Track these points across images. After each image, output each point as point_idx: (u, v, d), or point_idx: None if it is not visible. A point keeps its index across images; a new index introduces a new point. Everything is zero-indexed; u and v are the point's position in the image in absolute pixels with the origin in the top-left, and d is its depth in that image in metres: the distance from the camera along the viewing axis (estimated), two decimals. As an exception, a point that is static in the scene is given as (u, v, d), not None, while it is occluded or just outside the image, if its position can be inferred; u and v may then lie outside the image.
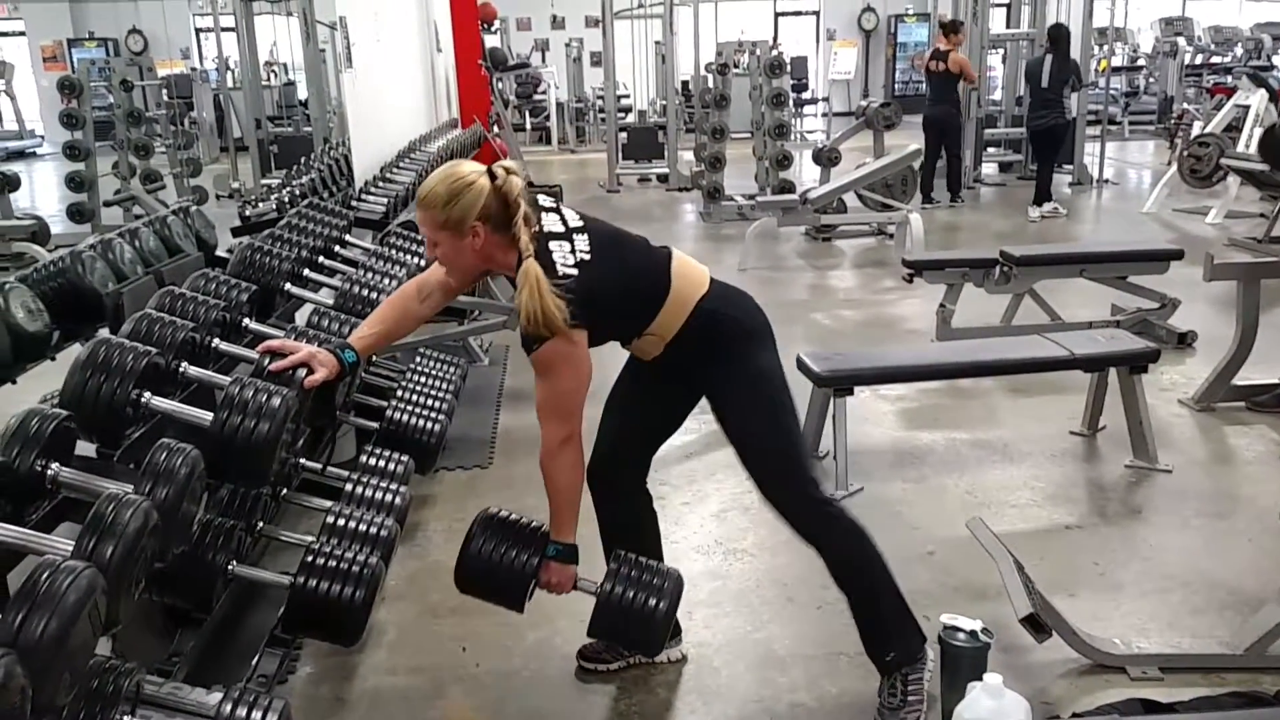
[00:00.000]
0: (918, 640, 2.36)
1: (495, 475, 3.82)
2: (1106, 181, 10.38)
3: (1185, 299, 5.15)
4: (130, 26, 14.34)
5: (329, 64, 6.44)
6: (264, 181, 8.01)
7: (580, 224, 2.18)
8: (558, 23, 18.34)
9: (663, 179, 11.34)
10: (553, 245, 2.10)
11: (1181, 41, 14.56)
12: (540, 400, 2.15)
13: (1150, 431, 3.69)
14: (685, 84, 13.30)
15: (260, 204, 4.03)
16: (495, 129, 9.37)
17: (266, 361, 2.19)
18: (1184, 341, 5.03)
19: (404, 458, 2.98)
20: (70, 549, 1.53)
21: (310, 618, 2.20)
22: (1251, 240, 7.27)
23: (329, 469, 2.75)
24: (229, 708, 1.73)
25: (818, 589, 2.94)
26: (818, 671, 2.57)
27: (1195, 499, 3.47)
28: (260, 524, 2.40)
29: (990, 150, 11.11)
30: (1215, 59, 15.48)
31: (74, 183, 8.83)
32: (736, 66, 11.12)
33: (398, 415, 3.20)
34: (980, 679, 2.07)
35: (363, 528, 2.43)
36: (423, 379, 3.47)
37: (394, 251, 3.78)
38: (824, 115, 16.56)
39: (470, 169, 2.12)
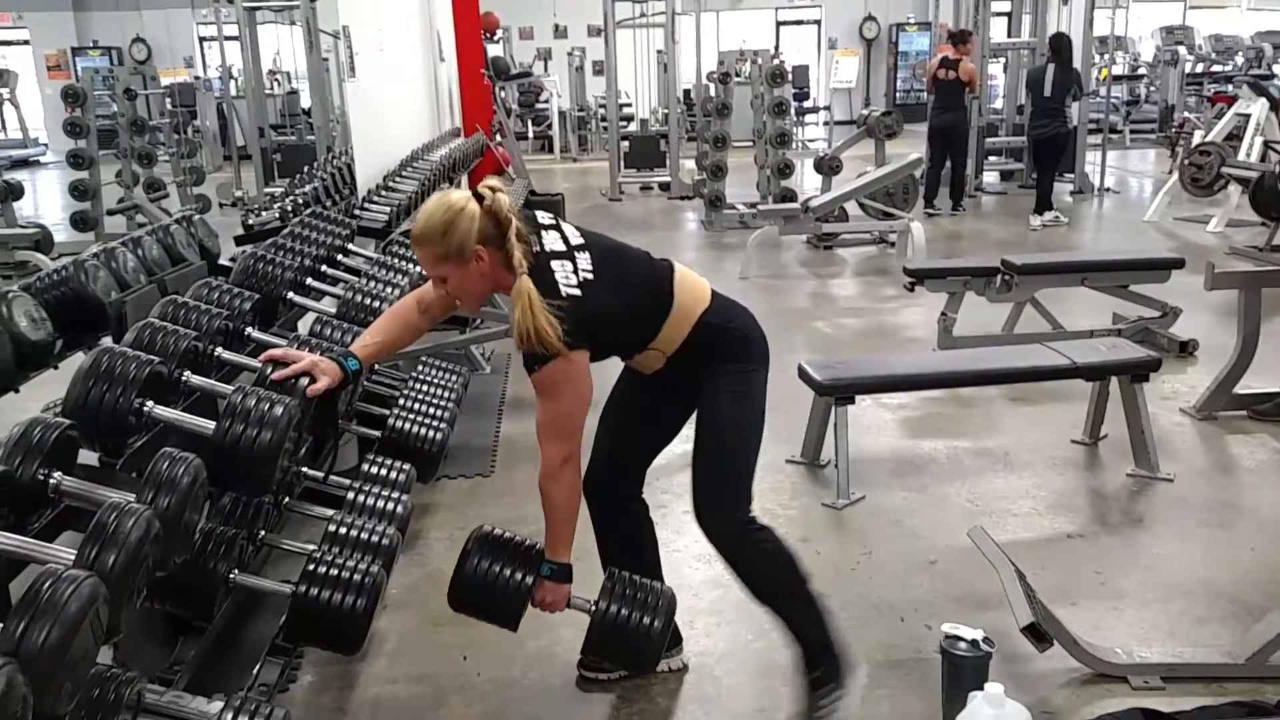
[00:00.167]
0: (842, 665, 2.38)
1: (497, 483, 3.82)
2: (1108, 190, 10.39)
3: (1186, 308, 5.16)
4: (134, 35, 14.42)
5: (332, 73, 6.45)
6: (267, 190, 8.00)
7: (581, 241, 2.17)
8: (560, 32, 18.39)
9: (664, 187, 11.36)
10: (555, 265, 2.09)
11: (1182, 50, 14.60)
12: (541, 420, 2.15)
13: (1152, 440, 3.69)
14: (687, 93, 13.34)
15: (263, 213, 4.03)
16: (498, 138, 9.39)
17: (269, 370, 2.19)
18: (1185, 350, 5.03)
19: (406, 466, 2.98)
20: (72, 558, 1.53)
21: (312, 626, 2.20)
22: (1253, 249, 7.28)
23: (331, 478, 2.75)
24: (230, 716, 1.73)
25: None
26: (819, 681, 2.56)
27: (1197, 508, 3.47)
28: (262, 532, 2.40)
29: (991, 159, 11.13)
30: (1216, 68, 15.50)
31: (77, 191, 8.86)
32: (738, 75, 11.17)
33: (400, 423, 3.20)
34: (982, 688, 2.06)
35: (364, 536, 2.44)
36: (425, 387, 3.47)
37: (396, 260, 3.78)
38: (825, 124, 16.57)
39: (458, 196, 2.11)
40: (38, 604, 1.35)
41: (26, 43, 17.23)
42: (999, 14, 12.03)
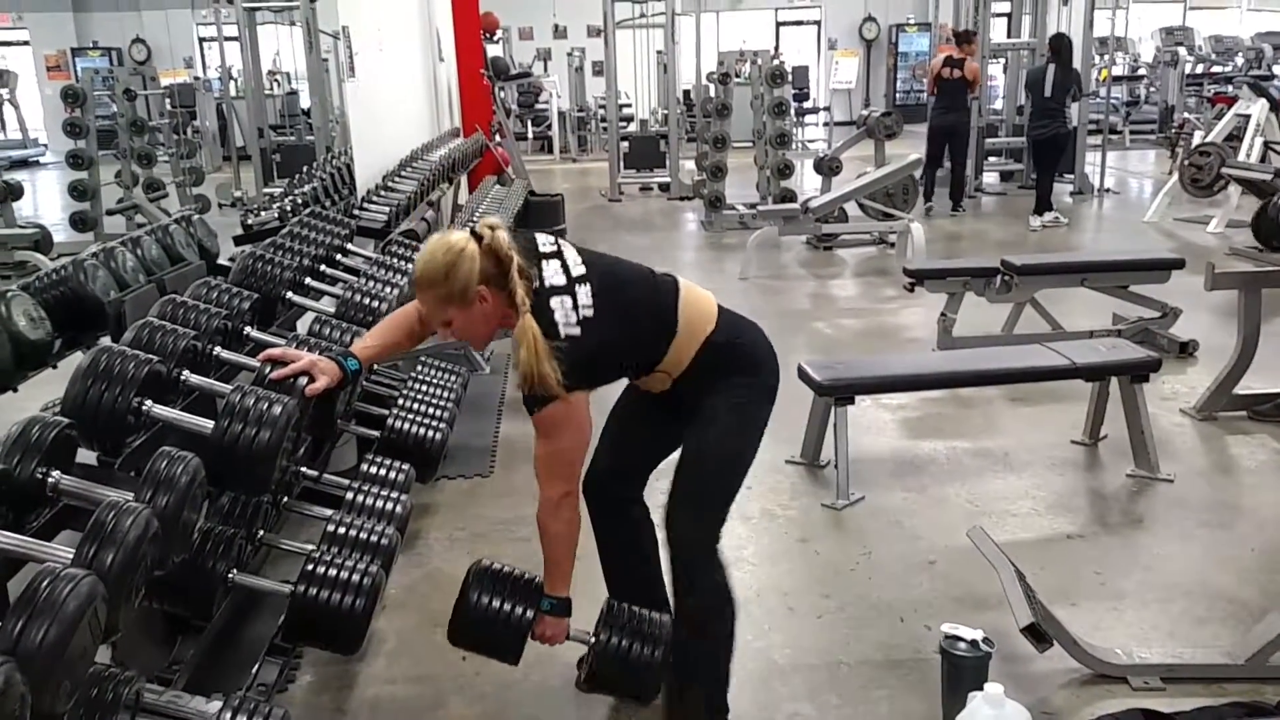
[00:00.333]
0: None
1: (496, 484, 3.82)
2: (1107, 191, 10.39)
3: (1186, 308, 5.16)
4: (134, 36, 14.41)
5: (332, 73, 6.46)
6: (266, 190, 8.01)
7: (583, 271, 2.10)
8: (560, 32, 18.39)
9: (664, 188, 11.36)
10: (554, 303, 2.04)
11: (1182, 51, 14.60)
12: (539, 458, 2.13)
13: (1152, 441, 3.69)
14: (687, 93, 13.33)
15: (262, 213, 4.03)
16: (497, 138, 9.39)
17: (268, 369, 2.19)
18: (1185, 351, 5.03)
19: (405, 466, 2.99)
20: (70, 557, 1.53)
21: (310, 626, 2.20)
22: (1253, 249, 7.28)
23: (331, 478, 2.75)
24: (229, 716, 1.73)
25: (818, 598, 2.95)
26: (818, 681, 2.56)
27: (1197, 508, 3.47)
28: (261, 532, 2.40)
29: (991, 159, 11.13)
30: (1216, 68, 15.51)
31: (77, 191, 8.86)
32: (738, 76, 11.16)
33: (399, 424, 3.20)
34: (981, 688, 2.06)
35: (363, 536, 2.44)
36: (424, 387, 3.47)
37: (395, 260, 3.78)
38: (825, 124, 16.56)
39: (456, 237, 2.06)
40: (36, 602, 1.35)
41: (26, 43, 17.22)
42: (999, 14, 12.04)
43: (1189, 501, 3.52)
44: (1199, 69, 15.44)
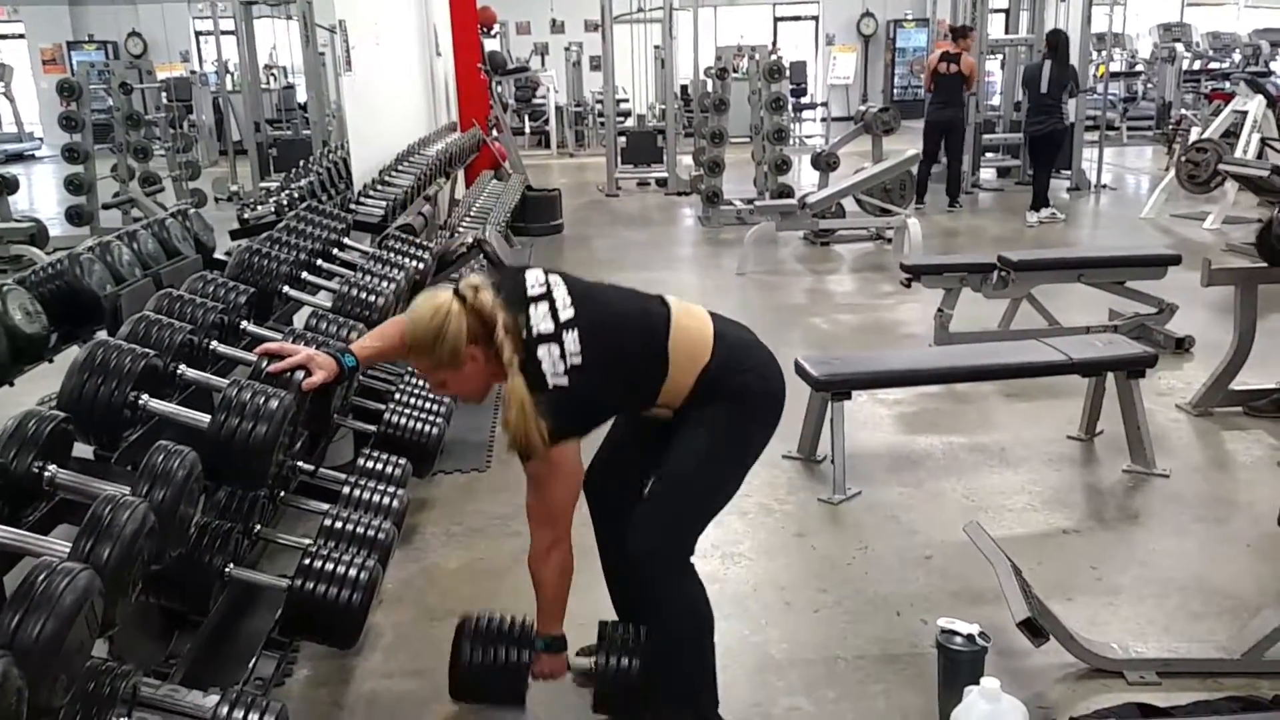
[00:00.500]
0: None
1: (492, 479, 3.82)
2: (1104, 187, 10.40)
3: (1183, 304, 5.16)
4: (130, 29, 14.35)
5: (328, 67, 6.44)
6: (263, 184, 8.01)
7: (571, 315, 2.04)
8: (557, 27, 18.37)
9: (661, 183, 11.35)
10: (541, 352, 2.00)
11: (1180, 47, 14.60)
12: (530, 506, 2.13)
13: (1148, 436, 3.70)
14: (684, 88, 13.32)
15: (259, 207, 4.02)
16: (494, 133, 9.38)
17: (264, 364, 2.19)
18: (1181, 346, 5.03)
19: (402, 461, 2.99)
20: (67, 550, 1.53)
21: (307, 620, 2.20)
22: (1249, 245, 7.23)
23: (327, 472, 2.75)
24: (226, 710, 1.73)
25: (815, 593, 2.95)
26: (815, 676, 2.57)
27: (1192, 504, 3.47)
28: (258, 526, 2.40)
29: (988, 155, 11.13)
30: (1213, 65, 15.51)
31: (73, 185, 8.83)
32: (735, 71, 11.15)
33: (395, 418, 3.20)
34: (977, 683, 2.07)
35: (360, 530, 2.44)
36: (421, 383, 3.47)
37: (392, 254, 3.78)
38: (823, 120, 16.56)
39: (442, 298, 2.03)
40: (32, 597, 1.35)
41: (21, 36, 17.15)
42: (996, 10, 12.03)
43: (1185, 497, 3.52)
44: (1196, 65, 15.45)
